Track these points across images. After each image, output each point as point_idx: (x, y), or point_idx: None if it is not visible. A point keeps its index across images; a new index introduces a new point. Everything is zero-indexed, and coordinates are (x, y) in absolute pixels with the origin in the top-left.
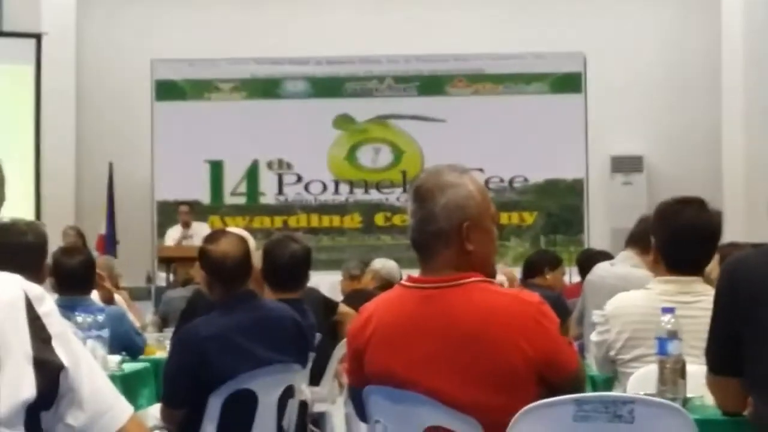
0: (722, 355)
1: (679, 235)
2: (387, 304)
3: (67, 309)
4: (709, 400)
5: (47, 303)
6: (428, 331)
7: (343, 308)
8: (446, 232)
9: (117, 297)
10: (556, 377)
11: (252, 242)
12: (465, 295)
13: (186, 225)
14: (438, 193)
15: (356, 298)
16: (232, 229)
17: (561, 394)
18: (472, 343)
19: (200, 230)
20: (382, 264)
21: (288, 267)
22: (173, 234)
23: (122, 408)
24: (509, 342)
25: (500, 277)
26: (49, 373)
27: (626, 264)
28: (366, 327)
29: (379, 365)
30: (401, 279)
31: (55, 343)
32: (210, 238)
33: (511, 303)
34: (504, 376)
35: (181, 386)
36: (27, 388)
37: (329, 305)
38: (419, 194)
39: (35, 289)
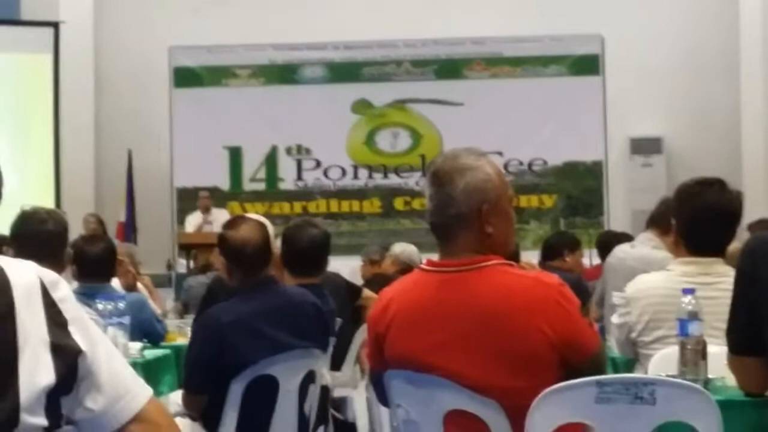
0: (743, 335)
1: (700, 217)
2: (406, 288)
3: (88, 296)
4: (731, 381)
5: (62, 288)
6: (448, 315)
7: (367, 293)
8: (465, 216)
9: (138, 284)
10: (577, 359)
11: (271, 228)
12: (485, 278)
13: (206, 211)
14: (456, 176)
15: (377, 282)
16: (250, 215)
17: (582, 377)
18: (493, 325)
19: (220, 216)
20: (402, 249)
21: (307, 252)
22: (193, 220)
23: (141, 391)
24: (530, 324)
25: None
26: (67, 358)
27: (646, 246)
28: (386, 312)
29: (399, 350)
30: (421, 263)
31: (71, 328)
32: (229, 225)
33: (532, 285)
34: (525, 359)
35: (202, 372)
36: (46, 374)
37: (353, 290)
38: (437, 178)
39: (50, 275)
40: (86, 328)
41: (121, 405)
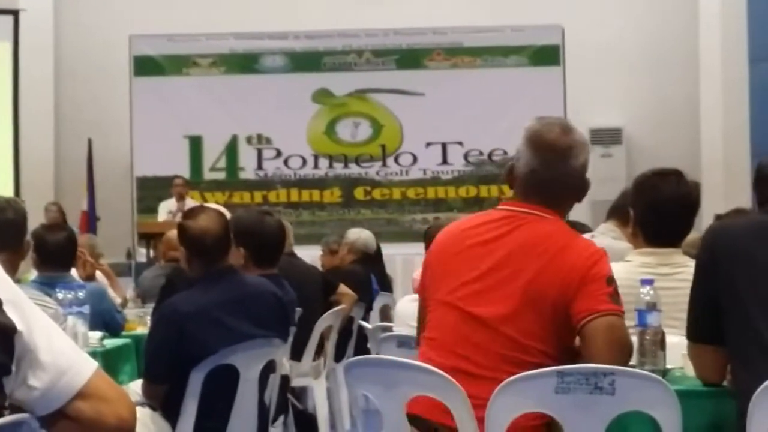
0: (702, 324)
1: (657, 208)
2: (468, 219)
3: (48, 286)
4: (690, 371)
5: None
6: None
7: (343, 288)
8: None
9: (99, 273)
10: (583, 313)
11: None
12: (545, 225)
13: (180, 198)
14: (575, 151)
15: (335, 275)
16: (209, 204)
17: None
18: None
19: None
20: (357, 235)
21: (266, 241)
22: (167, 207)
23: (84, 364)
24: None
25: None
26: (2, 336)
27: (606, 236)
28: (438, 239)
29: (438, 274)
30: (377, 249)
31: (6, 308)
32: (188, 214)
33: (579, 242)
34: (538, 297)
35: (162, 362)
36: None
37: (329, 285)
38: (557, 150)
39: None
40: (22, 307)
41: (65, 380)
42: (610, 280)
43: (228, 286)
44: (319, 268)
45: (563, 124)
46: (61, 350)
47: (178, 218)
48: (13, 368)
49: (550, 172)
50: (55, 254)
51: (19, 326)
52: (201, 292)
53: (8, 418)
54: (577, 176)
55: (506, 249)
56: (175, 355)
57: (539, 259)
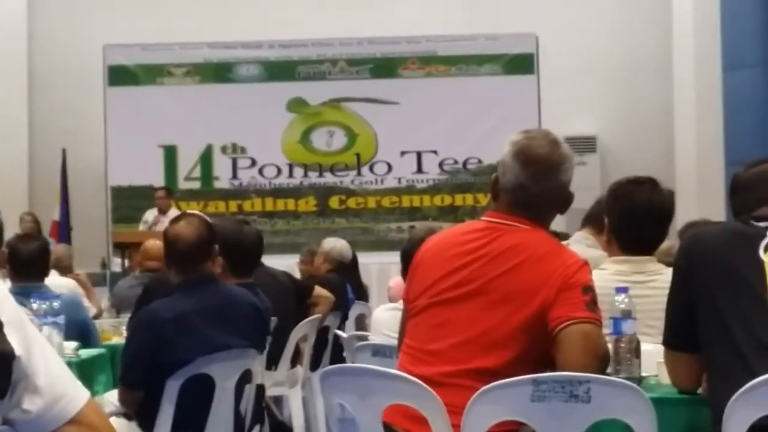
0: (679, 332)
1: (631, 216)
2: (446, 231)
3: (23, 296)
4: (665, 378)
5: (0, 290)
6: (477, 254)
7: (319, 290)
8: (559, 200)
9: (73, 282)
10: (559, 319)
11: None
12: (528, 234)
13: (163, 211)
14: (565, 165)
15: (313, 282)
16: (195, 212)
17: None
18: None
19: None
20: (332, 245)
21: (243, 251)
22: (147, 217)
23: (79, 393)
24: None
25: None
26: (0, 361)
27: (581, 244)
28: (420, 249)
29: (421, 280)
30: (352, 258)
31: (7, 330)
32: (173, 220)
33: (559, 250)
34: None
35: (139, 367)
36: None
37: (303, 288)
38: (548, 165)
39: None
40: (23, 329)
41: (59, 407)
42: (588, 289)
43: (207, 295)
44: (297, 275)
45: (551, 138)
46: (58, 376)
47: (155, 229)
48: (8, 394)
49: (540, 186)
50: (28, 264)
51: (18, 351)
52: (180, 299)
53: None
54: (564, 190)
55: (487, 257)
56: (153, 361)
57: (518, 264)
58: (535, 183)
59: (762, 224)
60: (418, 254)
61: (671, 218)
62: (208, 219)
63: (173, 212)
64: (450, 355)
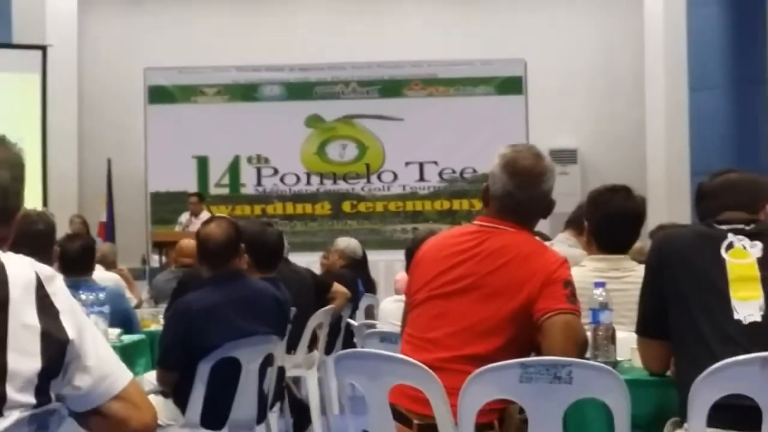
0: (650, 321)
1: (609, 219)
2: (445, 233)
3: (72, 288)
4: (637, 362)
5: (57, 282)
6: (469, 253)
7: (337, 287)
8: (542, 206)
9: (116, 276)
10: (543, 310)
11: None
12: (514, 235)
13: (195, 214)
14: (547, 176)
15: (328, 277)
16: (225, 216)
17: (553, 339)
18: (499, 270)
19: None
20: (346, 243)
21: (266, 249)
22: (181, 219)
23: (123, 374)
24: (526, 280)
25: None
26: (55, 344)
27: (564, 244)
28: (420, 249)
29: (423, 275)
30: (362, 256)
31: (62, 317)
32: (205, 222)
33: (542, 251)
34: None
35: (175, 351)
36: (34, 359)
37: (322, 284)
38: (531, 175)
39: (46, 270)
40: (76, 317)
41: (105, 385)
42: (568, 284)
43: (234, 287)
44: (317, 270)
45: (535, 152)
46: (105, 358)
47: (189, 229)
48: (62, 372)
49: (525, 194)
50: (75, 260)
51: (72, 335)
52: (211, 292)
53: (45, 407)
54: (547, 197)
55: (479, 257)
56: (186, 346)
57: (506, 262)
58: (520, 191)
59: (724, 227)
60: (419, 253)
61: (643, 221)
62: (235, 221)
63: (204, 215)
64: (446, 343)
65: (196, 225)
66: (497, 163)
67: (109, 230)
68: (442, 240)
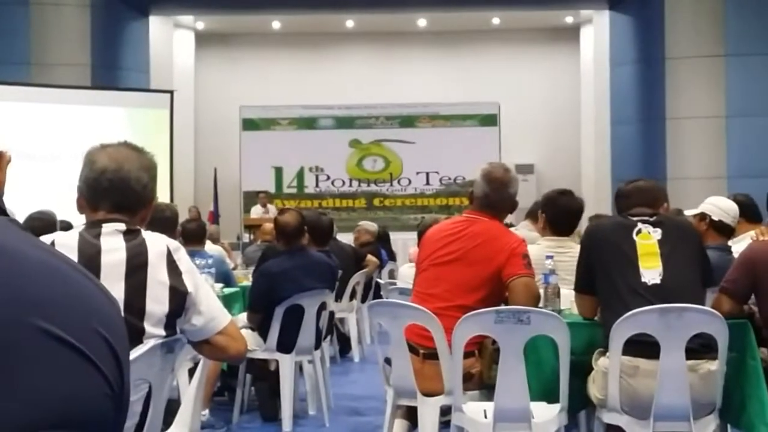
0: (583, 282)
1: (559, 213)
2: (445, 222)
3: (190, 256)
4: (575, 311)
5: (181, 252)
6: (458, 235)
7: (370, 258)
8: (510, 207)
9: (220, 248)
10: (509, 275)
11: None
12: (489, 223)
13: (264, 206)
14: (513, 183)
15: (362, 248)
16: (292, 207)
17: (516, 294)
18: (478, 246)
19: (272, 210)
20: (367, 225)
21: (321, 231)
22: (255, 211)
23: (224, 316)
24: (495, 251)
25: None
26: (179, 295)
27: (525, 229)
28: (427, 231)
29: (426, 250)
30: (386, 234)
31: (184, 277)
32: (280, 212)
33: (507, 234)
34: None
35: (260, 300)
36: (164, 305)
37: (359, 256)
38: (502, 183)
39: (173, 243)
40: (193, 276)
41: (213, 323)
42: (525, 256)
43: (300, 257)
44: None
45: (504, 167)
46: (212, 305)
47: (267, 216)
48: (183, 314)
49: (497, 195)
50: (192, 237)
51: (190, 289)
52: (284, 260)
53: (172, 337)
54: (512, 199)
55: (465, 237)
56: (267, 297)
57: (483, 241)
58: (494, 193)
59: (635, 218)
60: (425, 234)
61: (581, 215)
62: (300, 212)
63: (270, 207)
64: (443, 296)
65: (267, 214)
66: (479, 174)
67: (215, 216)
68: (441, 226)
